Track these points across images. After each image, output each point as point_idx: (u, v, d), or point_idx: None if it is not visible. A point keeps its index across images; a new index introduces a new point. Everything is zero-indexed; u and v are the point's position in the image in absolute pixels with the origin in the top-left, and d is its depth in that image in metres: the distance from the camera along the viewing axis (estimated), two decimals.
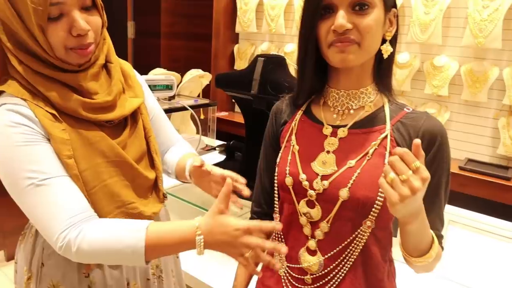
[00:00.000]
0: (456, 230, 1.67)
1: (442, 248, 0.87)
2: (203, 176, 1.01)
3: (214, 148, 2.18)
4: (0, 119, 0.81)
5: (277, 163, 0.93)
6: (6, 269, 2.68)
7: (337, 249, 0.85)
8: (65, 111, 0.86)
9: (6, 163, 0.81)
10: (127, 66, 1.05)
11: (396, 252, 0.87)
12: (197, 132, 2.18)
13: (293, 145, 0.90)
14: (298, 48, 0.88)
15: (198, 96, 2.48)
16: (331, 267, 0.86)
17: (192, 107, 1.91)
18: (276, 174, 0.92)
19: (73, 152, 0.85)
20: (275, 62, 1.46)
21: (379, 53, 0.84)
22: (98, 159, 0.88)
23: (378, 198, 0.80)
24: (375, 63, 0.86)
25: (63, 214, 0.80)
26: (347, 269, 0.84)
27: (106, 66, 0.96)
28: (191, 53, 3.59)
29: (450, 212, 1.73)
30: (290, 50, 3.09)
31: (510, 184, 2.20)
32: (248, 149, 1.67)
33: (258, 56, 1.49)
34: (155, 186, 1.02)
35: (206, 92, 2.88)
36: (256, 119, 1.59)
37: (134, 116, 1.00)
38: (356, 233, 0.83)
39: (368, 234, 0.83)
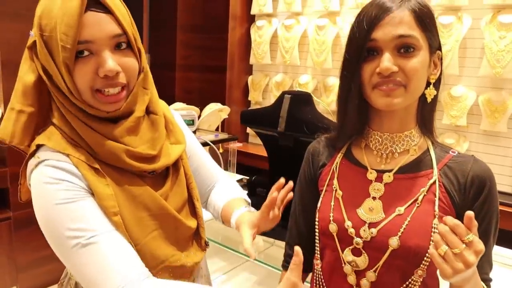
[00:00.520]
0: None
1: None
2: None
3: None
4: (39, 176, 0.78)
5: (318, 208, 0.91)
6: None
7: None
8: (108, 161, 0.81)
9: (49, 223, 0.77)
10: (166, 108, 0.99)
11: None
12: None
13: (336, 190, 0.88)
14: (340, 89, 0.88)
15: (217, 129, 2.49)
16: None
17: (213, 142, 1.91)
18: (317, 219, 0.90)
19: (118, 208, 0.80)
20: (301, 99, 1.46)
21: (422, 95, 0.83)
22: (141, 213, 0.84)
23: (431, 246, 0.77)
24: (418, 106, 0.85)
25: (116, 274, 0.75)
26: None
27: (149, 117, 0.90)
28: (205, 85, 3.62)
29: None
30: (304, 82, 3.11)
31: None
32: (272, 185, 1.65)
33: (284, 92, 1.49)
34: (196, 234, 0.97)
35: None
36: (281, 156, 1.57)
37: (175, 164, 0.94)
38: (407, 282, 0.80)
39: (419, 283, 0.80)
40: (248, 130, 3.53)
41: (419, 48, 0.78)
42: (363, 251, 0.83)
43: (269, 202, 0.89)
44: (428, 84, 0.83)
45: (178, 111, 1.12)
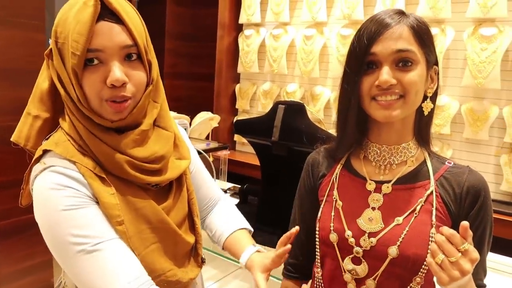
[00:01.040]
0: None
1: None
2: None
3: (225, 191, 2.17)
4: (45, 182, 0.77)
5: (319, 218, 0.93)
6: None
7: None
8: (112, 171, 0.81)
9: (53, 229, 0.76)
10: (173, 123, 0.98)
11: None
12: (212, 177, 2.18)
13: (336, 200, 0.91)
14: (340, 101, 0.90)
15: (207, 137, 2.50)
16: None
17: (205, 151, 1.92)
18: (317, 229, 0.92)
19: (122, 218, 0.80)
20: (295, 109, 1.49)
21: (419, 108, 0.87)
22: (142, 225, 0.84)
23: (428, 255, 0.80)
24: (415, 118, 0.88)
25: (121, 282, 0.75)
26: None
27: (156, 131, 0.89)
28: (193, 93, 3.63)
29: None
30: (292, 90, 3.15)
31: None
32: (264, 193, 1.67)
33: (278, 103, 1.52)
34: (194, 250, 0.98)
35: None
36: (274, 165, 1.60)
37: (179, 179, 0.94)
38: None
39: None
40: (236, 138, 3.54)
41: (416, 62, 0.81)
42: (363, 260, 0.85)
43: (283, 252, 0.90)
44: (425, 97, 0.86)
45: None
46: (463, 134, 2.53)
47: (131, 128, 0.84)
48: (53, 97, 0.84)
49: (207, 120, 2.25)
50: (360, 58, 0.82)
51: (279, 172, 1.56)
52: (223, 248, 1.07)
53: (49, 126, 0.85)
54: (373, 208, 0.87)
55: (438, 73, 0.88)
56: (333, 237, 0.88)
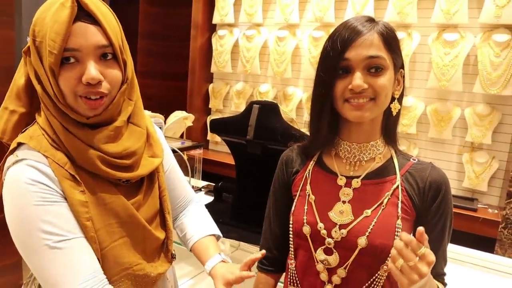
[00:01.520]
0: None
1: (445, 284, 0.94)
2: None
3: (200, 189, 2.20)
4: (19, 175, 0.79)
5: (292, 211, 0.97)
6: None
7: None
8: (84, 166, 0.83)
9: (21, 220, 0.79)
10: (149, 122, 1.01)
11: None
12: (187, 175, 2.20)
13: (309, 195, 0.96)
14: (313, 102, 0.95)
15: (181, 136, 2.51)
16: None
17: (180, 149, 1.94)
18: (291, 222, 0.97)
19: (90, 214, 0.83)
20: (269, 109, 1.54)
21: (387, 109, 0.93)
22: (111, 220, 0.86)
23: (389, 262, 0.86)
24: (383, 118, 0.94)
25: (77, 278, 0.79)
26: None
27: (128, 127, 0.91)
28: (165, 92, 3.62)
29: None
30: (264, 90, 3.20)
31: (477, 215, 2.37)
32: (239, 191, 1.71)
33: (252, 102, 1.56)
34: (164, 246, 1.00)
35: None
36: (248, 163, 1.64)
37: (151, 176, 0.97)
38: (374, 277, 0.89)
39: (384, 277, 0.89)
40: (209, 137, 3.56)
41: (386, 68, 0.87)
42: (334, 250, 0.90)
43: (246, 276, 0.95)
44: (393, 99, 0.92)
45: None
46: (428, 133, 2.65)
47: (105, 124, 0.86)
48: (30, 93, 0.86)
49: (181, 119, 2.27)
50: (334, 63, 0.88)
51: (253, 170, 1.60)
52: (190, 251, 1.10)
53: (25, 121, 0.88)
54: (344, 202, 0.92)
55: (404, 76, 0.94)
56: (306, 229, 0.93)
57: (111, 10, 0.87)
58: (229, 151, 1.68)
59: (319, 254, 0.92)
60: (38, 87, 0.82)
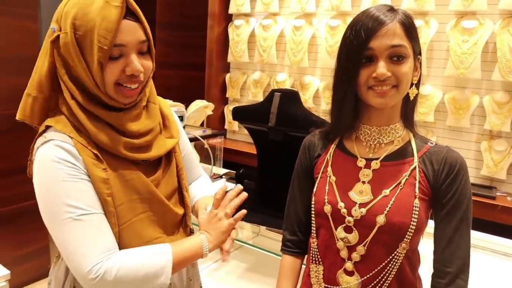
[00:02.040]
0: None
1: None
2: None
3: (221, 176, 2.25)
4: (48, 153, 0.87)
5: (314, 192, 1.02)
6: None
7: (375, 270, 0.94)
8: (106, 149, 0.92)
9: (49, 194, 0.87)
10: (166, 106, 1.11)
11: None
12: (202, 161, 2.26)
13: (330, 176, 1.00)
14: (336, 89, 0.99)
15: (202, 125, 2.57)
16: (370, 286, 0.94)
17: (202, 137, 1.99)
18: (313, 202, 1.01)
19: (111, 190, 0.91)
20: (290, 96, 1.58)
21: (406, 94, 0.96)
22: (132, 196, 0.94)
23: (412, 222, 0.90)
24: (402, 103, 0.98)
25: (96, 248, 0.86)
26: (385, 286, 0.93)
27: (147, 106, 1.01)
28: (184, 82, 3.68)
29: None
30: (281, 80, 3.23)
31: (495, 202, 2.37)
32: (261, 177, 1.76)
33: (274, 90, 1.60)
34: (183, 221, 1.08)
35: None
36: (270, 149, 1.68)
37: (168, 156, 1.06)
38: (393, 255, 0.92)
39: (403, 255, 0.92)
40: (227, 126, 3.61)
41: (408, 56, 0.90)
42: (354, 229, 0.94)
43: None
44: (411, 84, 0.95)
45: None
46: (446, 122, 2.65)
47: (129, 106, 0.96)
48: (51, 80, 0.93)
49: (201, 108, 2.33)
50: (358, 52, 0.91)
51: (275, 156, 1.65)
52: (192, 212, 1.17)
53: (47, 105, 0.96)
54: (363, 182, 0.96)
55: (421, 62, 0.97)
56: (327, 208, 0.97)
57: None
58: (246, 140, 1.73)
59: (340, 232, 0.96)
60: (66, 79, 0.90)
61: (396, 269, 0.93)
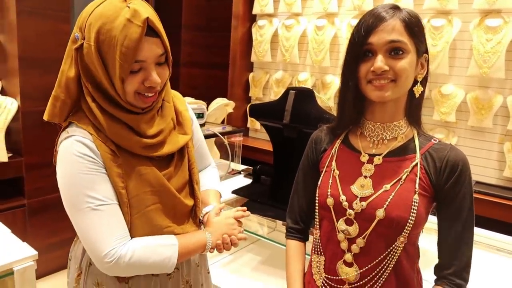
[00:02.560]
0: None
1: None
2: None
3: (239, 172, 2.32)
4: (70, 148, 0.95)
5: (319, 185, 1.06)
6: None
7: (374, 262, 0.97)
8: (122, 147, 0.99)
9: (70, 185, 0.95)
10: (180, 102, 1.16)
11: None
12: (221, 157, 2.33)
13: (334, 170, 1.04)
14: (341, 84, 1.03)
15: (222, 122, 2.64)
16: (368, 278, 0.98)
17: (221, 134, 2.06)
18: (317, 195, 1.06)
19: (125, 184, 0.98)
20: (305, 94, 1.62)
21: (411, 91, 0.99)
22: (145, 188, 1.01)
23: (410, 217, 0.93)
24: (407, 100, 1.00)
25: (111, 236, 0.95)
26: (383, 279, 0.97)
27: (162, 105, 1.07)
28: (208, 82, 3.77)
29: None
30: (303, 79, 3.26)
31: None
32: (276, 173, 1.81)
33: (289, 88, 1.65)
34: (193, 212, 1.14)
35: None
36: (285, 146, 1.73)
37: (181, 151, 1.12)
38: (391, 248, 0.96)
39: (401, 248, 0.96)
40: (249, 124, 3.68)
41: (407, 52, 0.93)
42: (355, 221, 0.98)
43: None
44: (415, 82, 0.98)
45: (191, 105, 1.29)
46: (468, 122, 2.62)
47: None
48: (79, 85, 1.00)
49: (222, 105, 2.40)
50: (359, 47, 0.95)
51: (290, 152, 1.69)
52: None
53: (73, 106, 1.02)
54: (365, 177, 0.99)
55: (428, 61, 0.99)
56: (330, 201, 1.01)
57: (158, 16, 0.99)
58: (268, 138, 1.78)
59: (341, 224, 1.00)
60: (87, 83, 0.97)
61: (394, 262, 0.96)
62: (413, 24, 0.94)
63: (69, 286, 1.16)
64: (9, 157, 2.54)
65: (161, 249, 1.00)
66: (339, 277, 1.01)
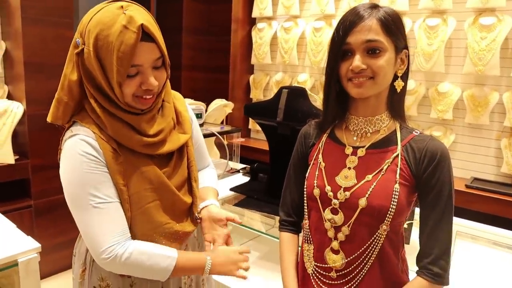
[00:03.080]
0: (463, 243, 1.81)
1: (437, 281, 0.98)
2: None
3: (238, 171, 2.37)
4: (74, 146, 0.99)
5: (306, 177, 1.11)
6: None
7: (360, 251, 1.01)
8: (124, 145, 1.03)
9: (73, 183, 0.98)
10: (180, 102, 1.20)
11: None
12: (221, 157, 2.38)
13: (320, 162, 1.09)
14: (324, 82, 1.08)
15: (222, 122, 2.70)
16: (354, 265, 1.02)
17: (219, 133, 2.12)
18: (305, 187, 1.11)
19: (126, 181, 1.02)
20: (297, 93, 1.67)
21: (392, 86, 1.03)
22: (145, 186, 1.04)
23: (391, 206, 0.97)
24: (389, 95, 1.05)
25: (110, 233, 0.98)
26: (368, 266, 1.01)
27: (162, 106, 1.10)
28: (209, 84, 3.83)
29: (456, 223, 1.89)
30: (302, 80, 3.31)
31: None
32: (272, 170, 1.86)
33: (282, 87, 1.70)
34: (191, 209, 1.17)
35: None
36: (279, 143, 1.78)
37: (180, 150, 1.15)
38: (374, 236, 1.00)
39: (384, 236, 1.00)
40: (251, 125, 3.73)
41: (384, 50, 0.97)
42: (340, 210, 1.03)
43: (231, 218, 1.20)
44: (396, 77, 1.02)
45: (190, 106, 1.34)
46: (465, 119, 2.65)
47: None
48: (82, 88, 1.04)
49: (221, 106, 2.45)
50: (338, 47, 1.00)
51: (284, 150, 1.73)
52: None
53: (76, 108, 1.06)
54: (349, 168, 1.04)
55: (408, 56, 1.04)
56: (316, 191, 1.06)
57: (154, 19, 1.02)
58: None
59: (327, 214, 1.05)
60: (89, 86, 1.00)
61: (378, 250, 1.00)
62: (390, 23, 0.98)
63: (74, 282, 1.20)
64: (15, 160, 2.62)
65: (158, 258, 1.03)
66: (327, 265, 1.06)
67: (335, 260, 1.04)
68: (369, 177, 1.01)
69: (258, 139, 3.73)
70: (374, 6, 1.00)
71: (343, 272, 1.04)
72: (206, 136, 2.14)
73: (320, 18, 3.17)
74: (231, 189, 1.99)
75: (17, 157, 2.67)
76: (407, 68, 1.05)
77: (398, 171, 1.00)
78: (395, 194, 0.98)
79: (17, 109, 2.57)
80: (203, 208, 1.20)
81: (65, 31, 2.72)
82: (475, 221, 1.96)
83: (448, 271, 0.99)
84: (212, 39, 3.86)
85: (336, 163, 1.07)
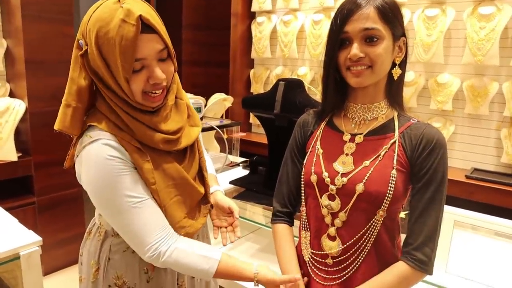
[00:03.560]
0: (461, 232, 1.82)
1: (422, 268, 0.97)
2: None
3: (238, 164, 2.38)
4: (99, 152, 0.96)
5: (304, 164, 1.12)
6: None
7: (356, 237, 1.02)
8: (146, 143, 1.01)
9: (106, 189, 0.97)
10: (184, 95, 1.17)
11: None
12: (221, 150, 2.40)
13: (318, 149, 1.10)
14: (323, 71, 1.09)
15: (222, 117, 2.71)
16: (350, 252, 1.03)
17: (218, 127, 2.13)
18: (303, 173, 1.12)
19: (155, 179, 1.01)
20: (294, 85, 1.67)
21: (391, 74, 1.03)
22: (169, 182, 1.05)
23: (388, 191, 0.98)
24: (387, 82, 1.06)
25: (152, 230, 1.00)
26: (364, 253, 1.02)
27: (175, 103, 1.09)
28: (210, 79, 3.84)
29: (456, 213, 1.90)
30: (302, 73, 3.32)
31: None
32: (271, 162, 1.87)
33: (279, 80, 1.70)
34: (204, 199, 1.19)
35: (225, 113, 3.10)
36: (278, 136, 1.79)
37: (192, 144, 1.15)
38: (371, 222, 1.01)
39: (380, 222, 1.01)
40: (252, 120, 3.74)
41: (382, 38, 0.98)
42: (336, 196, 1.04)
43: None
44: (394, 65, 1.03)
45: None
46: (465, 110, 2.65)
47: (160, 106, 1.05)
48: (91, 91, 1.01)
49: (220, 100, 2.46)
50: (336, 36, 1.01)
51: (282, 142, 1.74)
52: None
53: (85, 113, 1.03)
54: (347, 154, 1.05)
55: (406, 43, 1.04)
56: (313, 178, 1.07)
57: (156, 12, 1.01)
58: None
59: (324, 200, 1.06)
60: (100, 84, 0.98)
61: (374, 236, 1.01)
62: (387, 10, 0.98)
63: (83, 281, 1.19)
64: (18, 157, 2.64)
65: (199, 260, 1.03)
66: (324, 252, 1.07)
67: (332, 246, 1.05)
68: (367, 163, 1.02)
69: (259, 133, 3.74)
70: None
71: (339, 258, 1.05)
72: (205, 130, 2.15)
73: (319, 10, 3.17)
74: (231, 182, 2.00)
75: (19, 154, 2.69)
76: (405, 56, 1.05)
77: (395, 157, 1.00)
78: (392, 180, 0.99)
79: (19, 106, 2.59)
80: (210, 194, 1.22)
81: (65, 27, 2.73)
82: (475, 211, 1.97)
83: (433, 259, 0.99)
84: (212, 34, 3.87)
85: (334, 149, 1.08)
